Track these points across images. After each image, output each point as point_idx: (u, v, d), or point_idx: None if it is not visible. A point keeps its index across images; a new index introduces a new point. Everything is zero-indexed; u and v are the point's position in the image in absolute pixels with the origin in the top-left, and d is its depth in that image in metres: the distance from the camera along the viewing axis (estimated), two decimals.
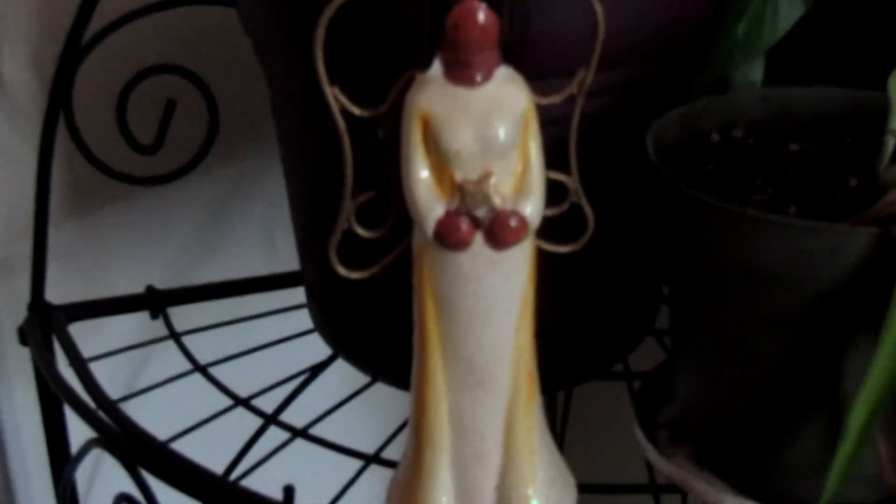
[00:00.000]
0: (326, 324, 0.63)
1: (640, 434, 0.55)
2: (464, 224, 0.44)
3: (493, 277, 0.46)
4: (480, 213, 0.44)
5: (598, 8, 0.45)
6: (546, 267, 0.52)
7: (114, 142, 0.68)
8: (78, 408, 0.59)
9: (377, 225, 0.47)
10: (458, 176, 0.44)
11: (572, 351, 0.59)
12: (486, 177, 0.44)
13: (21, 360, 0.73)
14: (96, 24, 0.65)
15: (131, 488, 0.56)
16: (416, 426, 0.49)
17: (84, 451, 0.58)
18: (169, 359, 0.67)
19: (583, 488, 0.53)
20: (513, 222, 0.44)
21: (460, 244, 0.45)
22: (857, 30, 0.59)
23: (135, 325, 0.72)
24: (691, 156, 0.52)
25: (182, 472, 0.54)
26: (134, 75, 0.67)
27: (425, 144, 0.44)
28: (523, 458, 0.49)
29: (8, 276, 0.75)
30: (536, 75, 0.46)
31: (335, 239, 0.47)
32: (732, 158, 0.53)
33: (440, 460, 0.49)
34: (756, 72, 0.60)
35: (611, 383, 0.62)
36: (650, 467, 0.56)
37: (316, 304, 0.63)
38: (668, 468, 0.53)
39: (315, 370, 0.65)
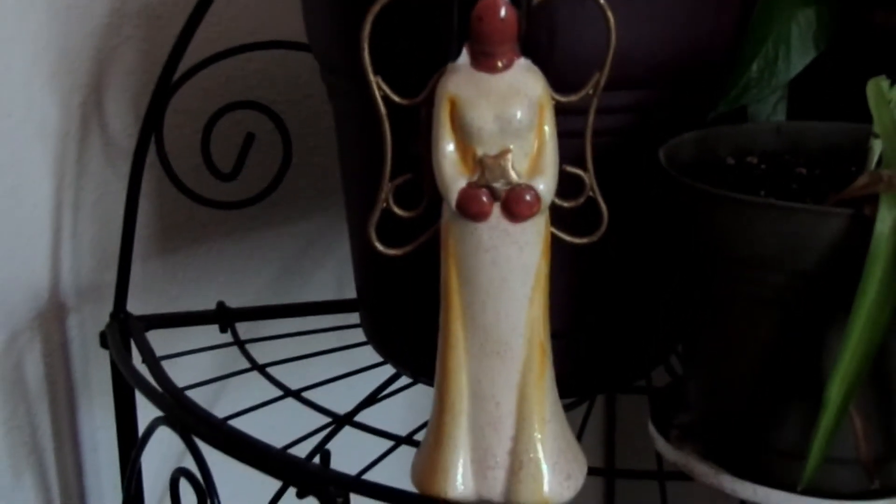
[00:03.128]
0: (375, 334, 0.69)
1: (652, 429, 0.59)
2: (483, 195, 0.50)
3: (510, 248, 0.51)
4: (498, 185, 0.50)
5: (610, 15, 0.51)
6: (568, 276, 0.57)
7: (198, 169, 0.75)
8: (146, 390, 0.65)
9: (412, 208, 0.54)
10: (480, 152, 0.50)
11: (592, 360, 0.64)
12: (504, 153, 0.50)
13: (104, 376, 0.79)
14: (186, 64, 0.73)
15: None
16: (438, 392, 0.54)
17: (151, 428, 0.64)
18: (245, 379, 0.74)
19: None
20: (527, 196, 0.51)
21: (480, 215, 0.51)
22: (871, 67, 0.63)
23: (210, 341, 0.78)
24: (705, 175, 0.58)
25: (232, 441, 0.60)
26: (217, 110, 0.75)
27: (452, 124, 0.50)
28: (535, 425, 0.53)
29: (99, 300, 0.81)
30: (562, 90, 0.52)
31: (374, 217, 0.53)
32: (743, 178, 0.58)
33: (459, 424, 0.54)
34: (780, 115, 0.66)
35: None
36: (659, 459, 0.60)
37: (367, 317, 0.69)
38: (675, 455, 0.57)
39: (389, 381, 0.71)
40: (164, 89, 0.73)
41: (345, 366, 0.73)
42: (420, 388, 0.66)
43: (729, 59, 0.61)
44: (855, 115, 0.61)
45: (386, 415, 0.68)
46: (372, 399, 0.69)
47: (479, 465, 0.54)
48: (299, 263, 0.90)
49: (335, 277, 0.90)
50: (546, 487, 0.54)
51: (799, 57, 0.62)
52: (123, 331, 0.73)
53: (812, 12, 0.62)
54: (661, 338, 0.65)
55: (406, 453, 0.59)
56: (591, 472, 0.57)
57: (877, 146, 0.52)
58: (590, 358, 0.63)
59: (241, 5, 0.81)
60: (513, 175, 0.50)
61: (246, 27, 0.80)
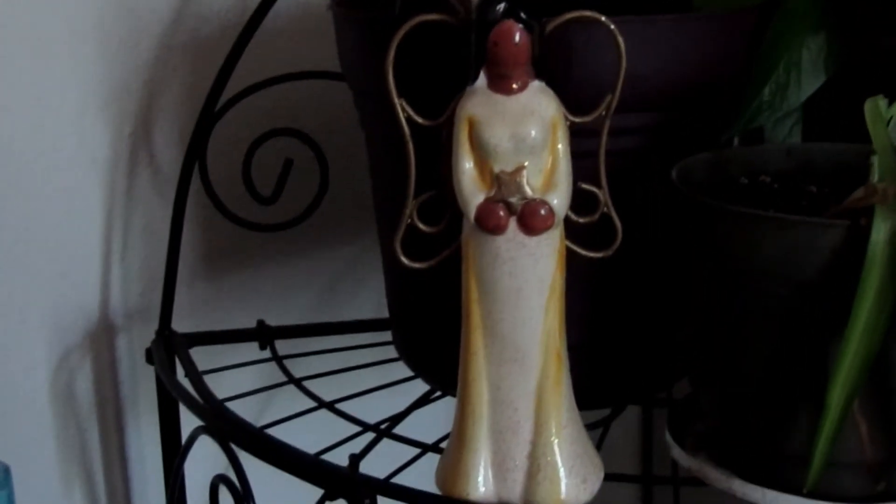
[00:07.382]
0: (406, 349, 0.72)
1: (669, 438, 0.62)
2: (500, 210, 0.54)
3: (525, 260, 0.54)
4: (514, 200, 0.53)
5: (620, 40, 0.54)
6: (586, 290, 0.60)
7: (239, 193, 0.79)
8: (188, 401, 0.68)
9: (436, 224, 0.57)
10: (496, 168, 0.53)
11: (611, 372, 0.66)
12: (518, 170, 0.53)
13: (151, 393, 0.83)
14: (228, 93, 0.77)
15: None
16: (460, 398, 0.57)
17: (193, 436, 0.67)
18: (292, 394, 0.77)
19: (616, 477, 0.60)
20: (542, 211, 0.54)
21: (497, 228, 0.54)
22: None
23: (255, 358, 0.82)
24: (719, 193, 0.60)
25: (267, 448, 0.63)
26: (258, 137, 0.78)
27: (471, 143, 0.54)
28: (552, 430, 0.56)
29: (147, 321, 0.85)
30: (578, 110, 0.55)
31: (399, 232, 0.57)
32: (755, 196, 0.61)
33: (479, 429, 0.57)
34: (795, 137, 0.69)
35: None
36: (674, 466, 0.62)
37: (398, 333, 0.72)
38: (688, 461, 0.60)
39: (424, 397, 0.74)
40: (207, 118, 0.76)
41: (383, 381, 0.77)
42: (448, 399, 0.69)
43: (739, 83, 0.63)
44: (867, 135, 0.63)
45: (416, 425, 0.71)
46: (404, 413, 0.71)
47: (499, 467, 0.57)
48: (342, 284, 0.93)
49: (376, 297, 0.93)
50: (563, 490, 0.56)
51: (810, 81, 0.65)
52: (168, 347, 0.77)
53: (822, 38, 0.65)
54: (682, 351, 0.68)
55: (432, 460, 0.62)
56: (626, 478, 0.59)
57: (876, 162, 0.54)
58: (609, 370, 0.66)
59: (285, 37, 0.85)
60: (527, 190, 0.53)
61: (288, 58, 0.84)
